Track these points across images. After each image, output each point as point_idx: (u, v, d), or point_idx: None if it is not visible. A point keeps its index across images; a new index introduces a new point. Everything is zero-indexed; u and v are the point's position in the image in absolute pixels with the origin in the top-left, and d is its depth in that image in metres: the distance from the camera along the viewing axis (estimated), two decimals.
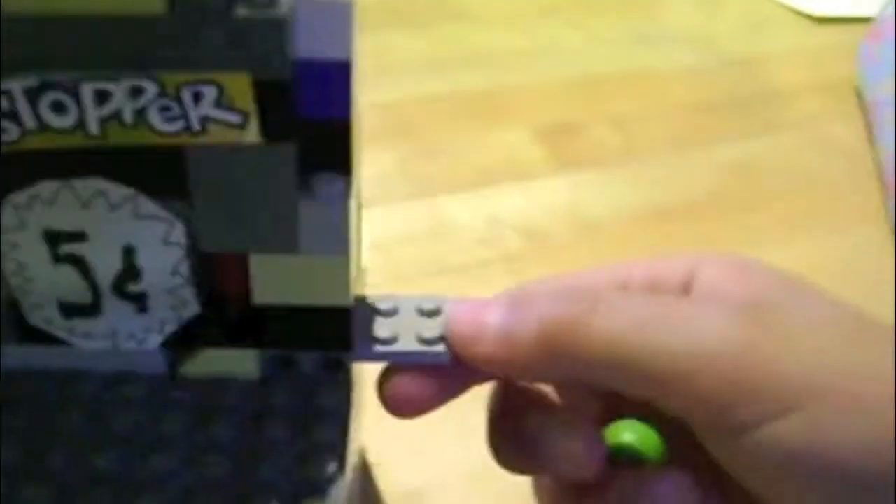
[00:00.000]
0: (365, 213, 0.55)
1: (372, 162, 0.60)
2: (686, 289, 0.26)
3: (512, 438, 0.27)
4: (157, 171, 0.22)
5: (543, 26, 0.81)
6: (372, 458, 0.40)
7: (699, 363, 0.22)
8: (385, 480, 0.39)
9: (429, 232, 0.54)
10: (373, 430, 0.41)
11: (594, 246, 0.54)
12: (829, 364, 0.21)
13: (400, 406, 0.26)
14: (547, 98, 0.69)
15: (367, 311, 0.27)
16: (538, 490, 0.29)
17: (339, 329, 0.25)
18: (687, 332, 0.22)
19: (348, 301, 0.24)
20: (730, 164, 0.63)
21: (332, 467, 0.23)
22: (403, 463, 0.40)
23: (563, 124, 0.65)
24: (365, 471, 0.39)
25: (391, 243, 0.53)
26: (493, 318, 0.24)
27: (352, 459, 0.24)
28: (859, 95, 0.68)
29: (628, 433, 0.30)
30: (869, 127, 0.65)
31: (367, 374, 0.39)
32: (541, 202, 0.57)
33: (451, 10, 0.83)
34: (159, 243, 0.23)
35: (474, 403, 0.43)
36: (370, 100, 0.67)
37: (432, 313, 0.27)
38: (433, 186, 0.58)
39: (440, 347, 0.26)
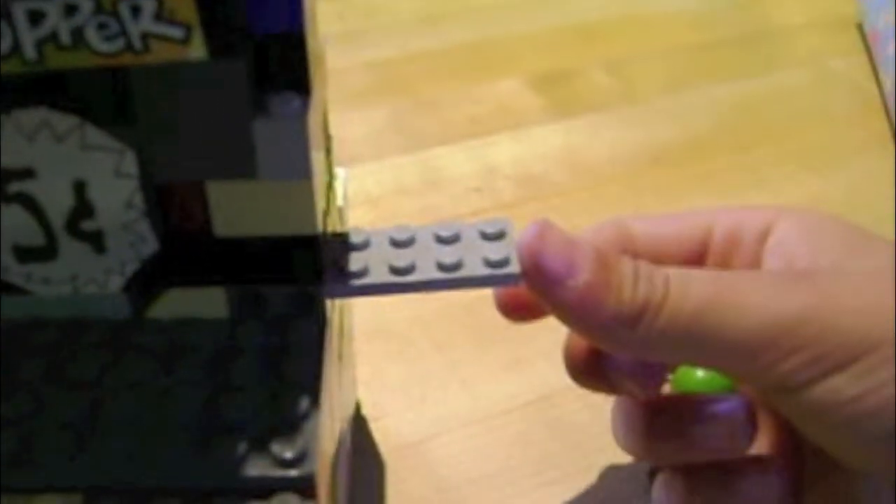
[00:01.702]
0: (357, 170, 0.54)
1: (363, 119, 0.59)
2: (762, 238, 0.28)
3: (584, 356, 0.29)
4: (102, 97, 0.21)
5: None
6: (368, 412, 0.39)
7: (762, 338, 0.23)
8: (383, 433, 0.38)
9: (422, 184, 0.53)
10: (370, 383, 0.40)
11: (591, 190, 0.53)
12: (882, 318, 0.23)
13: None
14: (540, 47, 0.67)
15: (339, 246, 0.26)
16: (615, 412, 0.31)
17: (307, 260, 0.23)
18: (749, 310, 0.23)
19: (314, 229, 0.23)
20: (730, 104, 0.61)
21: (304, 404, 0.22)
22: (401, 415, 0.39)
23: (558, 71, 0.64)
24: (360, 424, 0.38)
25: (385, 197, 0.52)
26: (584, 271, 0.24)
27: (326, 396, 0.23)
28: (860, 30, 0.66)
29: (699, 372, 0.33)
30: (872, 61, 0.63)
31: (357, 328, 0.38)
32: (536, 150, 0.56)
33: None
34: (110, 175, 0.22)
35: (473, 353, 0.42)
36: (360, 58, 0.66)
37: (405, 243, 0.26)
38: (426, 140, 0.56)
39: (414, 276, 0.25)
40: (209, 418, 0.22)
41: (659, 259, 0.26)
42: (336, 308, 0.27)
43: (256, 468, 0.21)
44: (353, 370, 0.37)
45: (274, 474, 0.21)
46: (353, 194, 0.51)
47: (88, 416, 0.22)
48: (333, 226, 0.27)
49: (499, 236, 0.26)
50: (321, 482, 0.21)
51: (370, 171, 0.54)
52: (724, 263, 0.28)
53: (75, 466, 0.21)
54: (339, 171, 0.33)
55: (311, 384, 0.22)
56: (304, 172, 0.22)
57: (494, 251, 0.26)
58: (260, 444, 0.21)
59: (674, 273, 0.24)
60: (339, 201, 0.31)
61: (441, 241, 0.26)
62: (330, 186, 0.27)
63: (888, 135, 0.57)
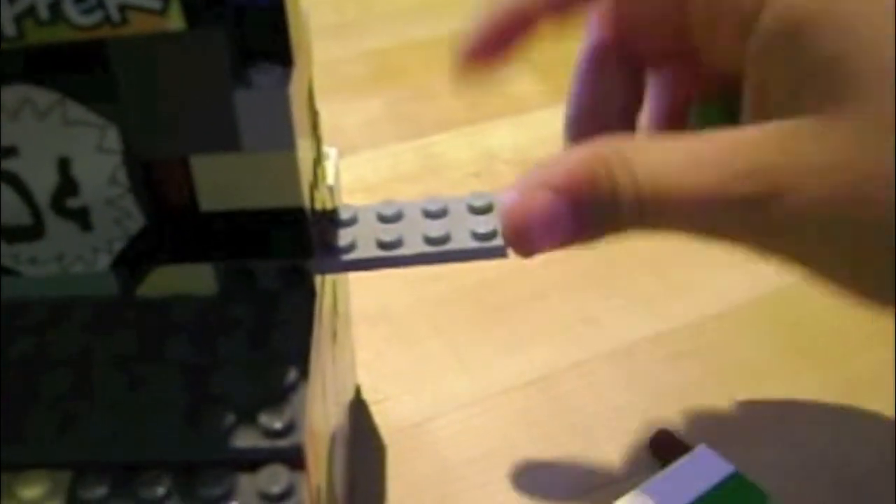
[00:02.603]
0: (355, 158, 0.54)
1: (360, 108, 0.59)
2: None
3: None
4: (82, 72, 0.21)
5: None
6: (368, 396, 0.38)
7: None
8: (383, 416, 0.38)
9: (421, 170, 0.52)
10: (370, 367, 0.40)
11: None
12: None
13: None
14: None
15: (327, 222, 0.26)
16: None
17: (295, 233, 0.23)
18: None
19: (300, 202, 0.23)
20: None
21: (292, 376, 0.22)
22: (401, 398, 0.39)
23: (557, 55, 0.63)
24: (361, 408, 0.38)
25: (383, 184, 0.52)
26: (564, 231, 0.24)
27: (317, 370, 0.23)
28: None
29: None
30: None
31: (358, 312, 0.38)
32: (536, 134, 0.56)
33: None
34: (93, 151, 0.22)
35: (473, 336, 0.41)
36: (357, 49, 0.66)
37: (393, 218, 0.26)
38: (424, 127, 0.56)
39: (402, 250, 0.25)
40: (197, 393, 0.22)
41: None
42: (328, 285, 0.27)
43: (245, 440, 0.21)
44: (351, 354, 0.37)
45: (262, 445, 0.20)
46: (351, 182, 0.51)
47: (77, 394, 0.22)
48: (323, 203, 0.27)
49: (486, 209, 0.26)
50: (310, 453, 0.21)
51: (368, 158, 0.53)
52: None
53: (64, 443, 0.21)
54: (330, 152, 0.33)
55: (300, 357, 0.22)
56: (288, 143, 0.22)
57: (482, 224, 0.26)
58: (248, 417, 0.21)
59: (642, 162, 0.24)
60: (330, 180, 0.30)
61: (428, 215, 0.26)
62: (318, 163, 0.26)
63: None
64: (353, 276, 0.37)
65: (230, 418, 0.21)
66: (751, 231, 0.23)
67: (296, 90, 0.22)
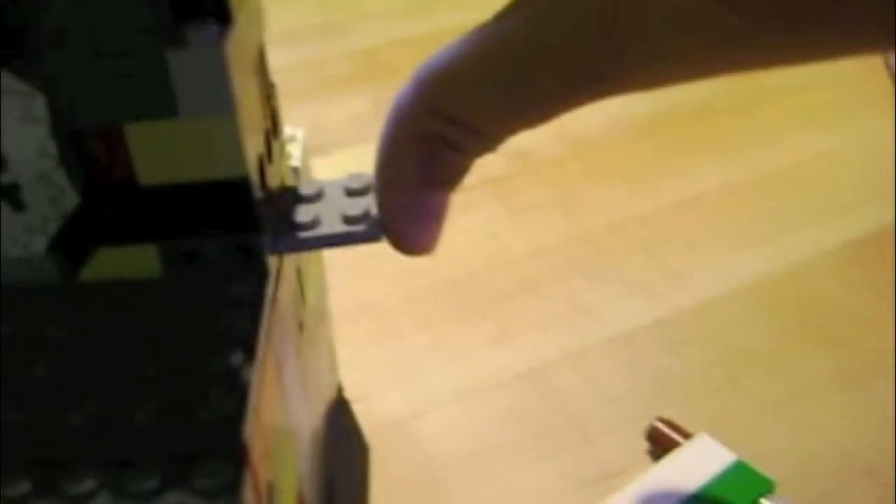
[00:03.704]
0: (341, 154, 0.52)
1: (346, 105, 0.57)
2: None
3: None
4: (3, 35, 0.19)
5: None
6: (351, 393, 0.37)
7: None
8: (366, 414, 0.36)
9: None
10: (352, 364, 0.38)
11: (583, 160, 0.51)
12: None
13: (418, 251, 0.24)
14: None
15: (287, 198, 0.24)
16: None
17: (241, 207, 0.22)
18: None
19: (243, 171, 0.21)
20: None
21: (237, 358, 0.20)
22: (385, 394, 0.37)
23: None
24: (343, 407, 0.36)
25: None
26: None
27: (266, 354, 0.21)
28: None
29: None
30: None
31: (340, 309, 0.36)
32: None
33: None
34: (19, 121, 0.20)
35: (459, 330, 0.40)
36: (342, 48, 0.64)
37: (360, 192, 0.24)
38: None
39: (369, 224, 0.23)
40: (134, 382, 0.20)
41: None
42: (289, 269, 0.25)
43: (181, 432, 0.19)
44: (330, 351, 0.35)
45: (200, 437, 0.19)
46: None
47: (4, 385, 0.20)
48: (282, 180, 0.25)
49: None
50: (256, 446, 0.19)
51: (354, 154, 0.52)
52: None
53: None
54: (297, 133, 0.31)
55: (246, 337, 0.20)
56: (227, 106, 0.20)
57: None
58: (186, 406, 0.19)
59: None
60: (295, 162, 0.29)
61: None
62: (275, 137, 0.25)
63: (890, 93, 0.55)
64: (332, 272, 0.36)
65: (167, 408, 0.19)
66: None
67: (236, 50, 0.20)
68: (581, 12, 0.19)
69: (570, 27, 0.19)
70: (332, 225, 0.24)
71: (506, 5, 0.21)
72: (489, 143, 0.21)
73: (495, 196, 0.48)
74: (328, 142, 0.53)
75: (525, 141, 0.52)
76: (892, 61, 0.55)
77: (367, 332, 0.40)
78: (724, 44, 0.18)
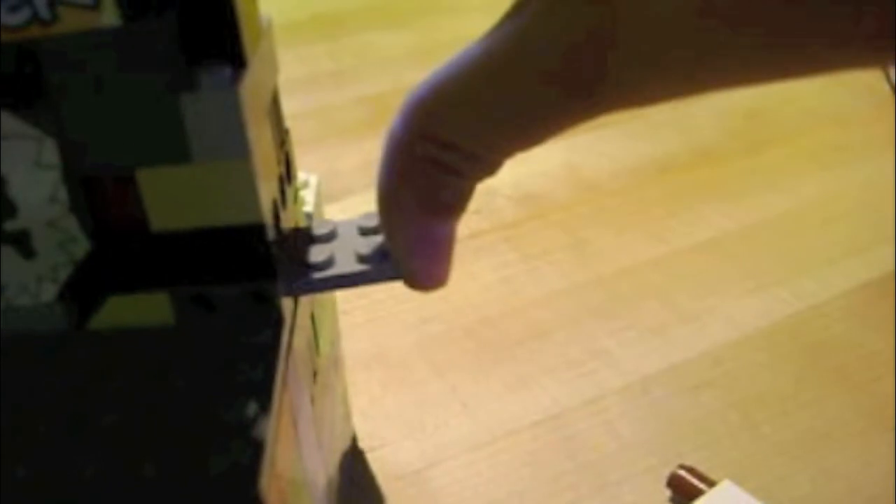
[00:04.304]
0: (352, 201, 0.52)
1: (356, 152, 0.57)
2: None
3: None
4: (13, 77, 0.19)
5: None
6: (365, 443, 0.36)
7: None
8: (381, 464, 0.35)
9: None
10: (366, 413, 0.37)
11: (594, 204, 0.51)
12: None
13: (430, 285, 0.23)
14: None
15: (300, 239, 0.24)
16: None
17: (256, 253, 0.21)
18: None
19: (258, 217, 0.21)
20: (736, 110, 0.59)
21: (252, 408, 0.19)
22: (400, 444, 0.36)
23: None
24: (357, 457, 0.35)
25: None
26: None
27: (282, 403, 0.20)
28: None
29: None
30: None
31: (353, 357, 0.36)
32: (535, 168, 0.54)
33: (429, 5, 0.81)
34: (31, 167, 0.20)
35: (474, 376, 0.39)
36: (352, 94, 0.64)
37: (374, 231, 0.24)
38: None
39: (385, 263, 0.23)
40: (145, 433, 0.19)
41: None
42: (303, 316, 0.25)
43: (194, 485, 0.18)
44: (345, 401, 0.34)
45: (214, 490, 0.18)
46: None
47: (13, 435, 0.20)
48: (295, 224, 0.25)
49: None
50: (272, 498, 0.18)
51: (365, 200, 0.52)
52: None
53: None
54: (311, 179, 0.31)
55: (261, 387, 0.20)
56: (241, 151, 0.20)
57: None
58: (199, 458, 0.19)
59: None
60: (309, 208, 0.28)
61: None
62: (289, 183, 0.24)
63: None
64: (345, 318, 0.35)
65: (180, 460, 0.19)
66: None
67: (249, 93, 0.20)
68: (568, 24, 0.18)
69: (555, 41, 0.18)
70: (346, 265, 0.23)
71: (491, 26, 0.20)
72: (485, 165, 0.21)
73: (507, 241, 0.48)
74: (339, 188, 0.52)
75: (535, 185, 0.52)
76: (893, 75, 0.54)
77: (380, 380, 0.39)
78: (714, 55, 0.18)
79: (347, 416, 0.35)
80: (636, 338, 0.41)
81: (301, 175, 0.29)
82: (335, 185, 0.53)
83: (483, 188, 0.51)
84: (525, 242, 0.48)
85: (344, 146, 0.57)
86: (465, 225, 0.49)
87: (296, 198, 0.26)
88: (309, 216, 0.28)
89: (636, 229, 0.49)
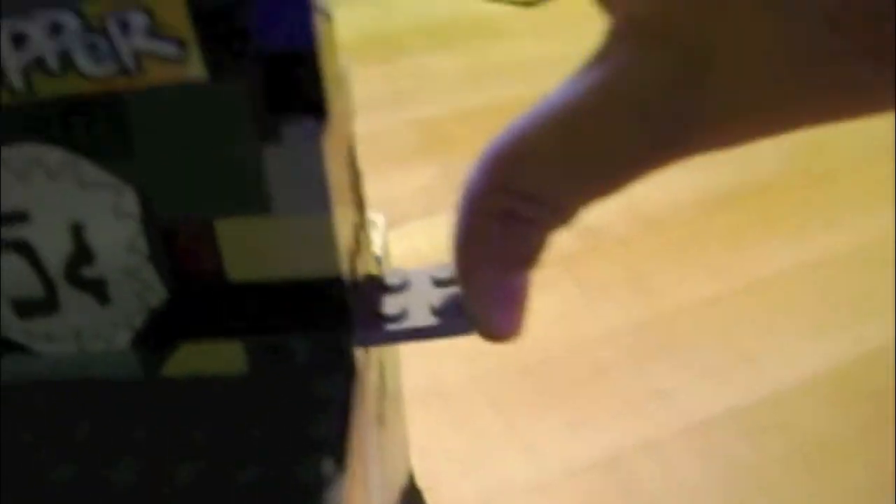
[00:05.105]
0: (408, 228, 0.52)
1: (413, 177, 0.57)
2: None
3: None
4: (96, 127, 0.19)
5: (577, 35, 0.78)
6: (421, 481, 0.36)
7: None
8: (439, 502, 0.35)
9: None
10: (423, 450, 0.37)
11: (655, 238, 0.50)
12: None
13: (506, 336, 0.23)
14: None
15: (373, 289, 0.24)
16: None
17: (332, 305, 0.21)
18: None
19: (338, 270, 0.20)
20: (795, 142, 0.58)
21: (327, 466, 0.19)
22: (458, 483, 0.36)
23: None
24: (415, 496, 0.35)
25: (437, 255, 0.49)
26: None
27: (358, 461, 0.20)
28: None
29: None
30: None
31: (409, 391, 0.36)
32: None
33: (485, 28, 0.81)
34: (109, 216, 0.20)
35: (533, 415, 0.39)
36: (408, 118, 0.64)
37: (448, 282, 0.24)
38: None
39: (457, 318, 0.22)
40: (221, 486, 0.19)
41: None
42: (373, 360, 0.24)
43: None
44: (403, 437, 0.34)
45: None
46: (403, 253, 0.49)
47: (85, 484, 0.20)
48: (366, 271, 0.24)
49: None
50: None
51: (421, 228, 0.51)
52: None
53: None
54: (378, 220, 0.30)
55: (336, 444, 0.20)
56: (323, 205, 0.19)
57: None
58: None
59: None
60: (377, 250, 0.28)
61: None
62: (361, 228, 0.24)
63: None
64: (401, 352, 0.35)
65: None
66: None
67: (332, 146, 0.20)
68: (662, 68, 0.18)
69: (648, 86, 0.18)
70: (420, 317, 0.23)
71: (569, 76, 0.20)
72: (564, 215, 0.20)
73: (565, 275, 0.47)
74: (396, 214, 0.52)
75: (595, 218, 0.51)
76: None
77: (438, 416, 0.39)
78: (847, 87, 0.17)
79: (406, 452, 0.35)
80: (696, 378, 0.41)
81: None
82: (391, 211, 0.53)
83: None
84: (583, 276, 0.47)
85: (399, 171, 0.57)
86: None
87: (367, 241, 0.26)
88: (377, 259, 0.28)
89: (695, 265, 0.48)
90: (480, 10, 0.85)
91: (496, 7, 0.85)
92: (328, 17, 0.20)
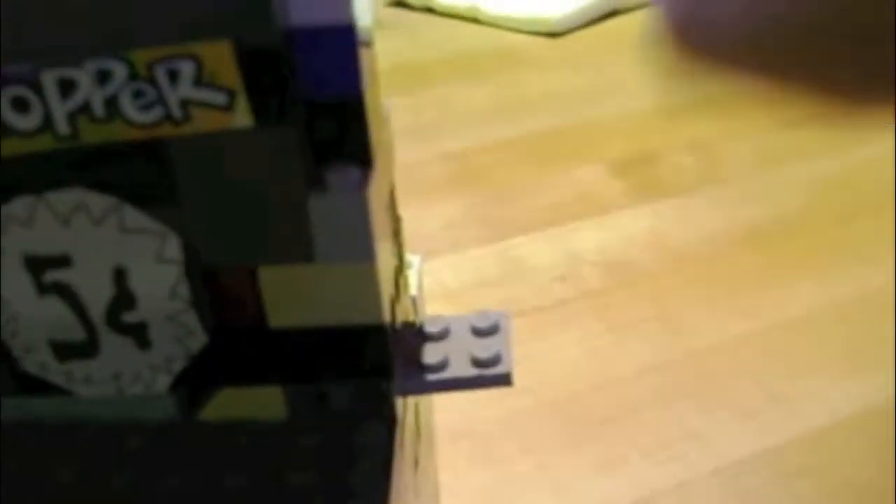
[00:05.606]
0: (435, 262, 0.52)
1: (440, 211, 0.57)
2: None
3: None
4: (140, 173, 0.19)
5: (603, 65, 0.78)
6: None
7: None
8: None
9: (504, 275, 0.50)
10: (452, 489, 0.37)
11: (682, 274, 0.50)
12: None
13: None
14: (619, 132, 0.65)
15: (413, 336, 0.24)
16: None
17: (373, 353, 0.21)
18: None
19: (380, 319, 0.20)
20: (823, 179, 0.58)
21: None
22: None
23: (638, 154, 0.61)
24: None
25: (465, 290, 0.49)
26: None
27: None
28: None
29: None
30: None
31: (438, 429, 0.35)
32: (621, 234, 0.53)
33: (512, 59, 0.81)
34: (152, 261, 0.20)
35: (563, 454, 0.38)
36: (436, 150, 0.64)
37: (488, 332, 0.23)
38: (505, 229, 0.54)
39: (500, 368, 0.22)
40: None
41: None
42: (410, 407, 0.24)
43: None
44: (434, 477, 0.34)
45: None
46: (431, 288, 0.49)
47: None
48: (405, 316, 0.24)
49: None
50: None
51: (448, 263, 0.51)
52: None
53: None
54: (414, 260, 0.30)
55: (377, 493, 0.19)
56: (367, 254, 0.19)
57: None
58: None
59: None
60: (413, 291, 0.28)
61: None
62: (400, 272, 0.24)
63: None
64: None
65: None
66: None
67: (376, 194, 0.20)
68: None
69: None
70: (461, 368, 0.23)
71: None
72: None
73: (593, 311, 0.47)
74: (424, 249, 0.52)
75: (621, 253, 0.51)
76: None
77: (466, 454, 0.38)
78: None
79: (436, 492, 0.34)
80: (728, 419, 0.40)
81: None
82: (419, 245, 0.53)
83: (568, 255, 0.51)
84: (612, 313, 0.47)
85: (427, 205, 0.57)
86: (551, 293, 0.48)
87: (406, 285, 0.26)
88: (413, 300, 0.28)
89: (726, 302, 0.48)
90: (506, 41, 0.85)
91: (522, 37, 0.86)
92: (370, 45, 0.19)
